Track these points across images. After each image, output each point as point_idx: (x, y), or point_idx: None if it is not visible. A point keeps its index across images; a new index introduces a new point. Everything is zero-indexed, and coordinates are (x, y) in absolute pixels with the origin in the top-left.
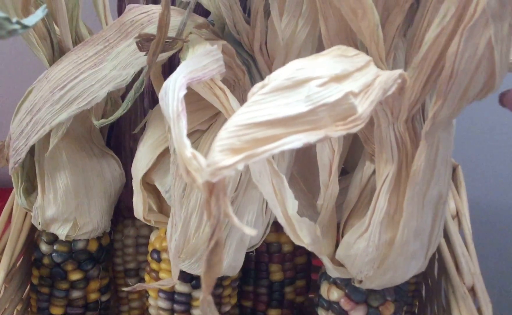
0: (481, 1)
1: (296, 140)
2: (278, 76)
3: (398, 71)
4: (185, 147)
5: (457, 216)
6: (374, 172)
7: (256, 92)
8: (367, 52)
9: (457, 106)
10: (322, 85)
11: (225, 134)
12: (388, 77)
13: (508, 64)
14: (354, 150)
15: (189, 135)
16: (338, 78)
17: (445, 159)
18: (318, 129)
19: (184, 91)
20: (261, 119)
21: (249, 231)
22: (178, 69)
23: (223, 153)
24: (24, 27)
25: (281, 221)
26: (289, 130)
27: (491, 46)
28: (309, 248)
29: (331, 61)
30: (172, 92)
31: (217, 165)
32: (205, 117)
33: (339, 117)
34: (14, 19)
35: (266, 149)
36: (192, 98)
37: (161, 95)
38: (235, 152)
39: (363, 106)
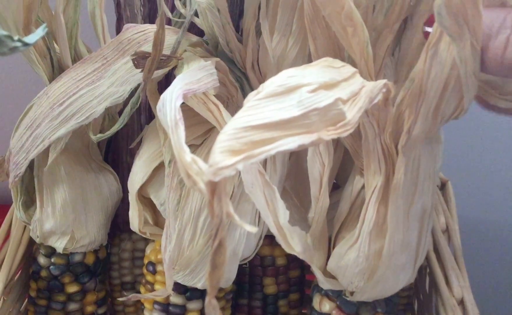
0: (436, 20)
1: (291, 143)
2: (271, 83)
3: (383, 81)
4: (185, 153)
5: (447, 231)
6: (364, 186)
7: (251, 98)
8: None
9: (432, 123)
10: (313, 91)
11: (224, 137)
12: (373, 87)
13: (476, 85)
14: (345, 166)
15: None
16: (327, 86)
17: (429, 173)
18: (311, 133)
19: (180, 101)
20: (257, 122)
21: (250, 228)
22: (174, 82)
23: (223, 154)
24: (25, 44)
25: (273, 230)
26: (284, 133)
27: (457, 66)
28: (301, 256)
29: (320, 70)
30: (169, 102)
31: (219, 165)
32: (199, 133)
33: (330, 123)
34: (16, 37)
35: (263, 151)
36: (187, 115)
37: (158, 106)
38: (235, 153)
39: (352, 113)
